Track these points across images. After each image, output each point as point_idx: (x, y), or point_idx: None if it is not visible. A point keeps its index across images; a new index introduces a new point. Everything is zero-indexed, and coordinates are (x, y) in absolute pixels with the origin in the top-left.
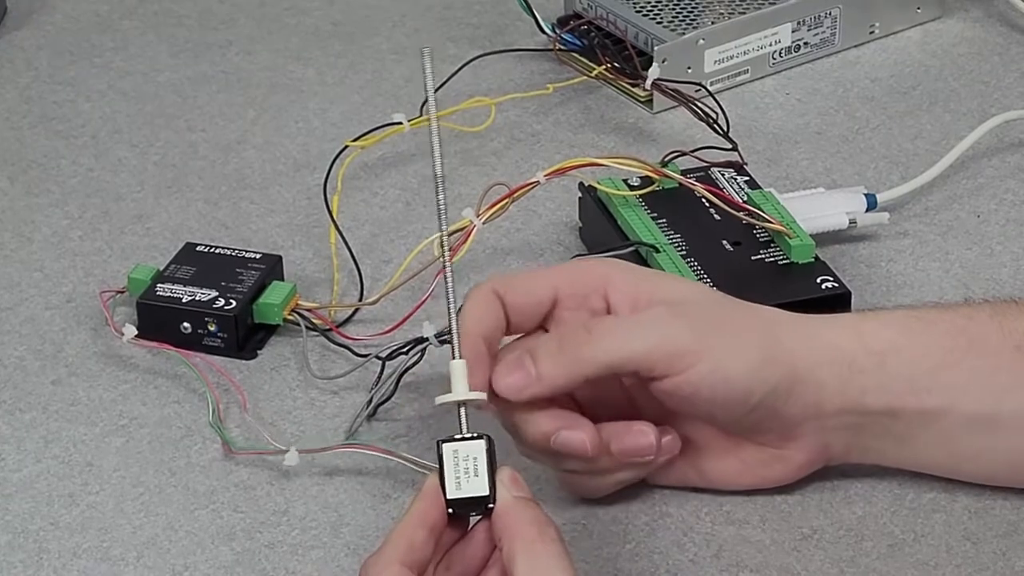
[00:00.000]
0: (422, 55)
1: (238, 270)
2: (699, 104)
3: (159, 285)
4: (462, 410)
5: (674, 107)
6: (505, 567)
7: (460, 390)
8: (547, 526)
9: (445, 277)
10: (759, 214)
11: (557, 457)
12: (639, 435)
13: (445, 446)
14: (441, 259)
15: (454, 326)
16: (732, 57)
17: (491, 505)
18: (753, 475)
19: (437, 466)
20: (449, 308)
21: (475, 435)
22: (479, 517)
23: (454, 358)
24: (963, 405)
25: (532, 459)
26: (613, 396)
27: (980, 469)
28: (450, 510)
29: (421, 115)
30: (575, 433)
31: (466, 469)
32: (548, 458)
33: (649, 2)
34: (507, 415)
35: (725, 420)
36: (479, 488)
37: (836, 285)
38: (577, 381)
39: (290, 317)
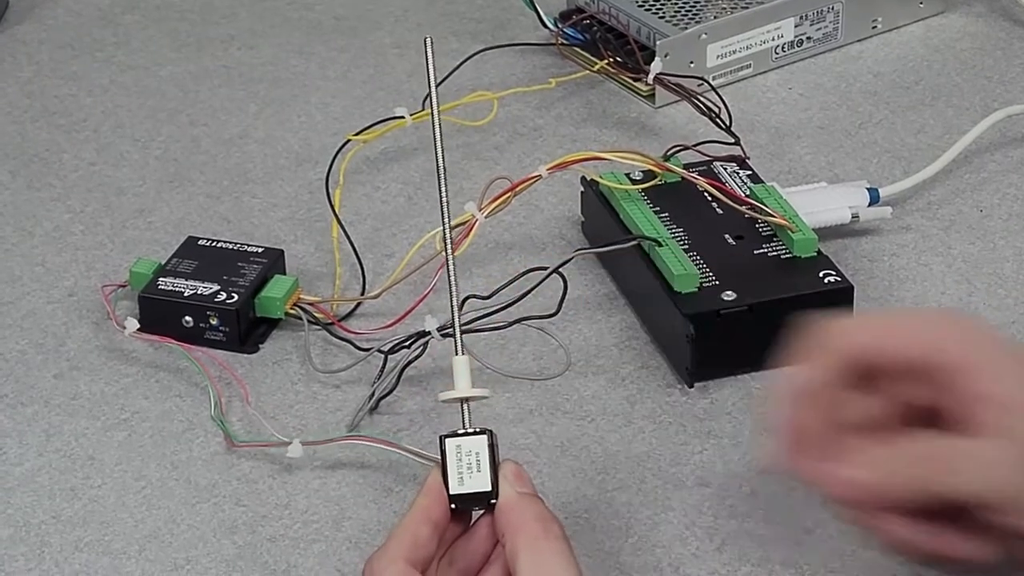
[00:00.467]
0: (425, 45)
1: (240, 264)
2: (701, 98)
3: (161, 279)
4: (465, 406)
5: (676, 102)
6: (508, 563)
7: (463, 386)
8: (551, 523)
9: (448, 270)
10: (762, 208)
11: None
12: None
13: (448, 441)
14: (444, 252)
15: (456, 321)
16: (734, 52)
17: (493, 500)
18: None
19: (439, 460)
20: (452, 302)
21: (477, 430)
22: (481, 512)
23: (457, 354)
24: None
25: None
26: None
27: None
28: (453, 505)
29: (423, 109)
30: (959, 553)
31: (469, 464)
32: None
33: None
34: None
35: None
36: (482, 483)
37: (839, 279)
38: (915, 503)
39: (292, 311)
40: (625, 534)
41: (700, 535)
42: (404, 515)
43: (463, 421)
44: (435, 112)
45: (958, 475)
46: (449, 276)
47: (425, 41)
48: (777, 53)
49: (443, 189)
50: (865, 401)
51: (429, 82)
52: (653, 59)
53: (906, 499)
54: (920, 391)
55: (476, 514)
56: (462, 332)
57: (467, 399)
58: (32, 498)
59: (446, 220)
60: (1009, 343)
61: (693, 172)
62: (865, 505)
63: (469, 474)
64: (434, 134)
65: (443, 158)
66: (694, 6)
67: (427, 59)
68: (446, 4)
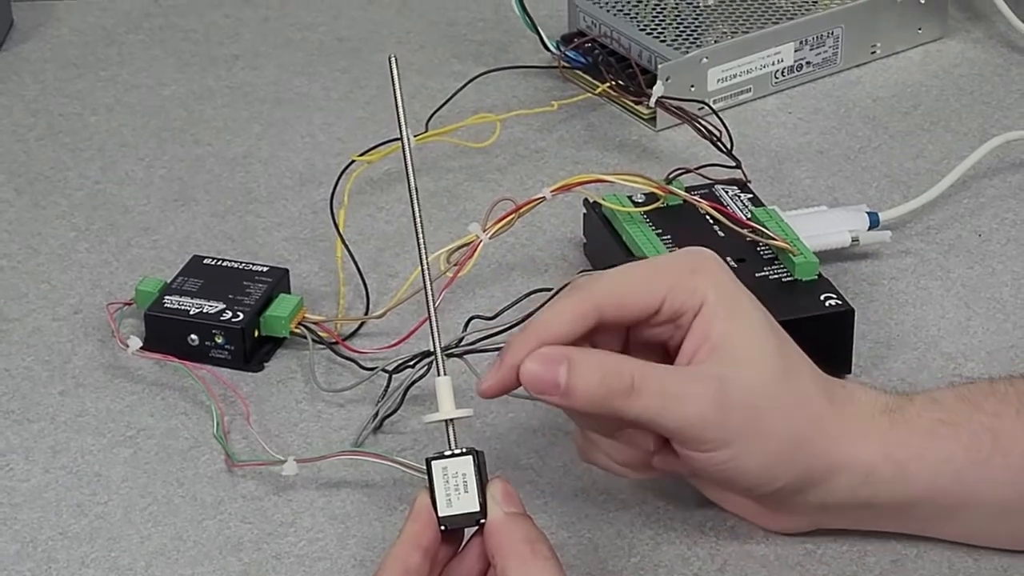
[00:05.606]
0: (389, 63)
1: (245, 283)
2: (702, 122)
3: (167, 297)
4: (450, 427)
5: (677, 125)
6: None
7: (447, 408)
8: (540, 543)
9: (426, 292)
10: (763, 231)
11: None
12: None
13: (434, 464)
14: (422, 273)
15: (437, 343)
16: (735, 76)
17: (483, 520)
18: (749, 514)
19: (427, 483)
20: (432, 325)
21: (463, 451)
22: (473, 531)
23: (439, 375)
24: (985, 501)
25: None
26: None
27: (1003, 543)
28: (443, 527)
29: (427, 130)
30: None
31: (456, 486)
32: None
33: (653, 20)
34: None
35: (726, 487)
36: (470, 504)
37: (839, 303)
38: (597, 415)
39: (297, 330)
40: (628, 554)
41: (702, 556)
42: (394, 542)
43: (448, 442)
44: (404, 129)
45: (640, 398)
46: (428, 298)
47: (389, 60)
48: (777, 78)
49: (416, 208)
50: (602, 341)
51: (395, 100)
52: (654, 83)
53: (597, 413)
54: (657, 331)
55: (468, 532)
56: (465, 352)
57: (451, 420)
58: (39, 514)
59: (420, 238)
60: (736, 285)
61: (695, 195)
62: (563, 407)
63: (457, 495)
64: (404, 152)
65: (414, 176)
66: (695, 30)
67: (392, 78)
68: (448, 26)
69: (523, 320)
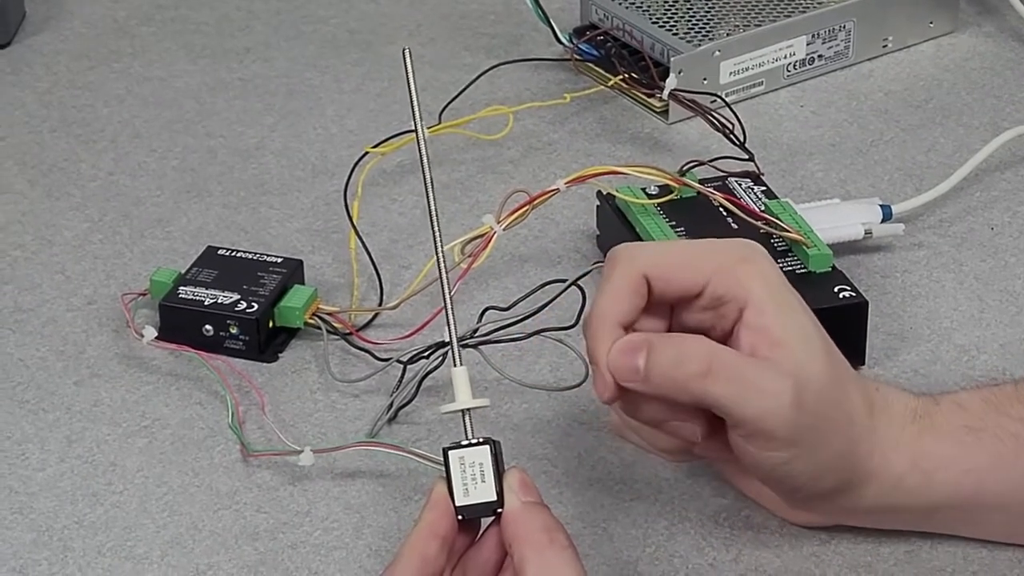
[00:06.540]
0: (403, 57)
1: (259, 274)
2: (715, 115)
3: (181, 288)
4: (467, 417)
5: (689, 118)
6: (516, 574)
7: (463, 398)
8: (557, 532)
9: (442, 282)
10: (777, 223)
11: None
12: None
13: (451, 453)
14: (437, 264)
15: (453, 333)
16: (747, 69)
17: (500, 510)
18: (771, 504)
19: (444, 472)
20: (447, 315)
21: (480, 440)
22: (490, 520)
23: (455, 365)
24: (1009, 505)
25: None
26: None
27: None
28: (460, 517)
29: (439, 123)
30: (687, 425)
31: (473, 475)
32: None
33: (665, 13)
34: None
35: (769, 484)
36: (487, 494)
37: (853, 295)
38: (672, 398)
39: (311, 321)
40: (643, 544)
41: (717, 545)
42: (411, 532)
43: (465, 432)
44: (419, 123)
45: (716, 381)
46: (444, 289)
47: (404, 52)
48: (789, 71)
49: (431, 200)
50: (648, 324)
51: (410, 92)
52: (667, 76)
53: (673, 397)
54: (699, 316)
55: (485, 522)
56: (480, 343)
57: (468, 410)
58: (55, 503)
59: (436, 230)
60: (784, 282)
61: (708, 187)
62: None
63: (474, 485)
64: (419, 144)
65: (429, 168)
66: (707, 23)
67: (407, 70)
68: (460, 19)
69: (537, 311)
